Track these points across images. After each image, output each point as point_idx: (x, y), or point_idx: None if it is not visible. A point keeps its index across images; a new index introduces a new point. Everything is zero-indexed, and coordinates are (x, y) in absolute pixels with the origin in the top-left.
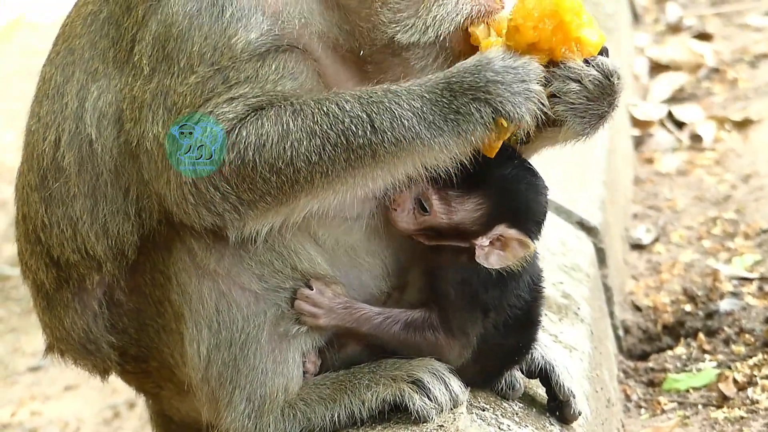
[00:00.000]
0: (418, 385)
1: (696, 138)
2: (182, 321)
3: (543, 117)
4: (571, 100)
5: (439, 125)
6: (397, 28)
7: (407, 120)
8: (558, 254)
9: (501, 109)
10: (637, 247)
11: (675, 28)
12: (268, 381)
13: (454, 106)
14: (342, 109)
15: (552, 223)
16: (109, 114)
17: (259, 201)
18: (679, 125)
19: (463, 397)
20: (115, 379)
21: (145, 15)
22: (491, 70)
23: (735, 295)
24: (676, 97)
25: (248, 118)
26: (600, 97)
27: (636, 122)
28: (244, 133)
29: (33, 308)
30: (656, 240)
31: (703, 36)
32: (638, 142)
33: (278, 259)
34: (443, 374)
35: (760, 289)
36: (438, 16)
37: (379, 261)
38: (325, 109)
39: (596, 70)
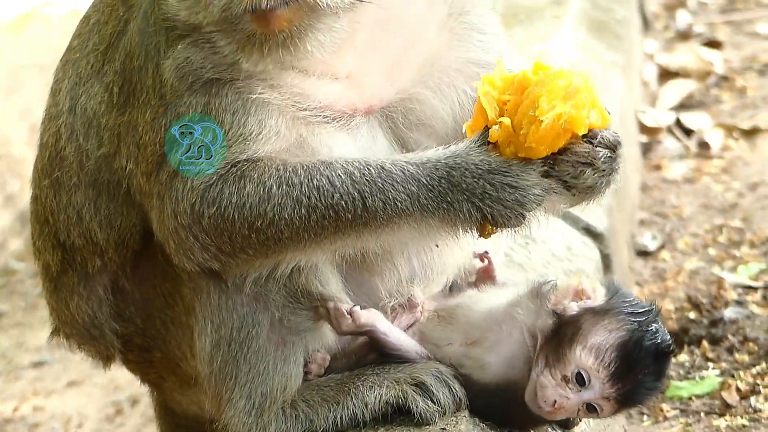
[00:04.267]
0: (422, 387)
1: (704, 145)
2: (193, 314)
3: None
4: (587, 183)
5: (432, 211)
6: None
7: (400, 203)
8: (564, 260)
9: (489, 218)
10: (643, 253)
11: (685, 35)
12: (268, 380)
13: (449, 199)
14: (333, 185)
15: (558, 228)
16: (94, 123)
17: (239, 253)
18: (687, 132)
19: (465, 400)
20: (118, 375)
21: (115, 31)
22: (491, 183)
23: (739, 303)
24: (685, 105)
25: (229, 174)
26: (610, 170)
27: (644, 129)
28: (226, 192)
29: (38, 302)
30: (662, 247)
31: (713, 43)
32: (646, 149)
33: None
34: (447, 377)
35: (765, 298)
36: None
37: (391, 265)
38: (315, 182)
39: (603, 148)
